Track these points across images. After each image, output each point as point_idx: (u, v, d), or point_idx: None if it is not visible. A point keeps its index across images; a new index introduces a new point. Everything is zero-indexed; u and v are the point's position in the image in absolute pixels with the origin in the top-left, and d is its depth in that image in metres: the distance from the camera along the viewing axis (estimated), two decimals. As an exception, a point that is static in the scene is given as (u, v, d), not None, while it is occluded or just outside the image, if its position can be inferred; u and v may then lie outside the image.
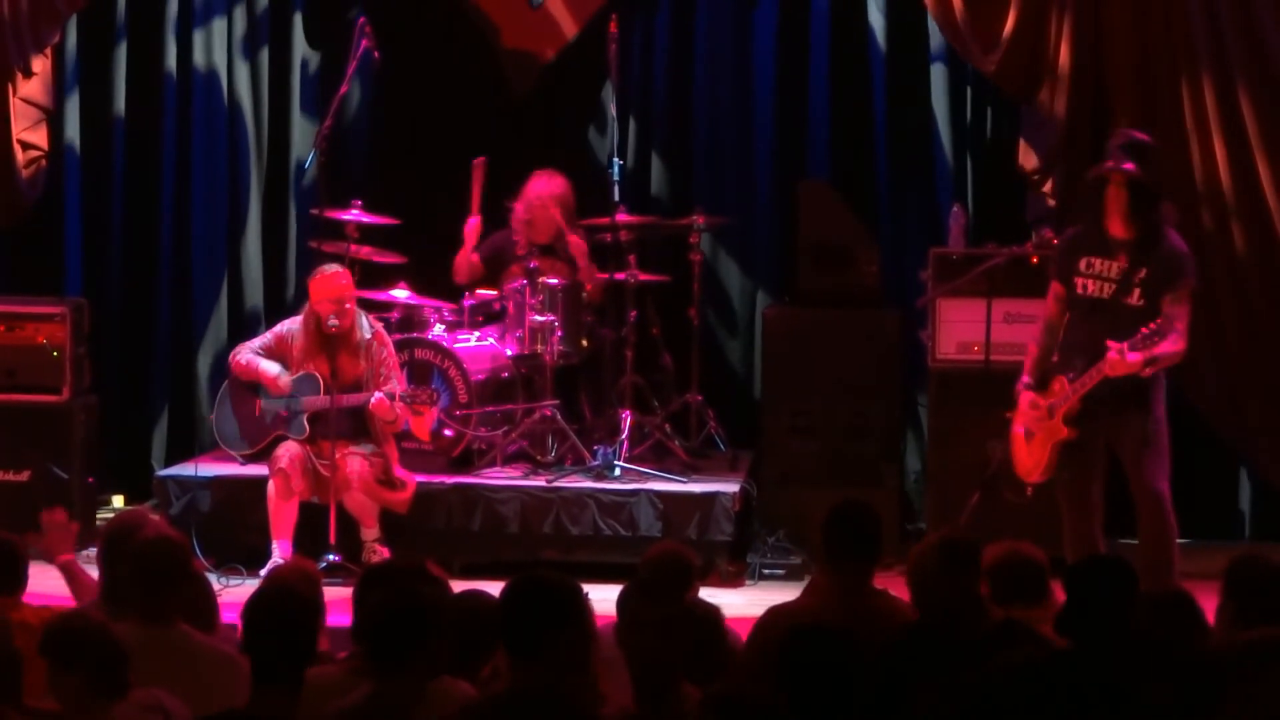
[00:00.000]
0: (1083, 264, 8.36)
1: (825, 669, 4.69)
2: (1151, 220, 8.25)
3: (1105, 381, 8.17)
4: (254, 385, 9.84)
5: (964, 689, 4.23)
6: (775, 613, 6.13)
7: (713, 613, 5.99)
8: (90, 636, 5.20)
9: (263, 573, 8.53)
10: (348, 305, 9.60)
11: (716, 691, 4.54)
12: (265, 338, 9.98)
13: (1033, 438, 8.48)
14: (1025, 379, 8.51)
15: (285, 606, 5.11)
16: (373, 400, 9.56)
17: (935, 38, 10.90)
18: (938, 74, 11.07)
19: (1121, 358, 8.05)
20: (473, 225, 10.65)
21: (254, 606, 5.16)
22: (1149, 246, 8.26)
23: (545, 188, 10.53)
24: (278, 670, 4.98)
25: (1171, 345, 8.14)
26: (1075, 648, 5.15)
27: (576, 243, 10.53)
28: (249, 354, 9.83)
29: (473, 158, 10.92)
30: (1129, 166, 8.25)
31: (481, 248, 10.70)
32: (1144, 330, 8.06)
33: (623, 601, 5.65)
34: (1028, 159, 10.29)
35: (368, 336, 9.73)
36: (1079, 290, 8.36)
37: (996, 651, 4.48)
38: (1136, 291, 8.25)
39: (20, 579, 6.38)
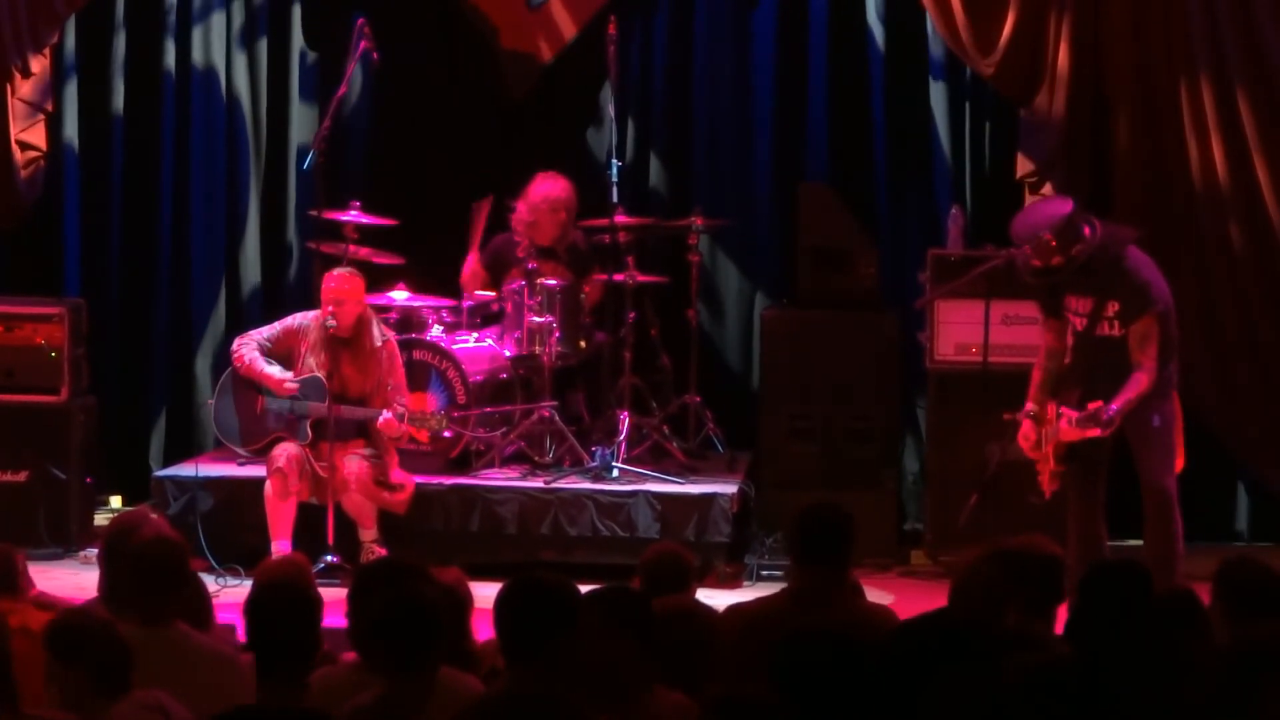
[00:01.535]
0: (1066, 299, 8.49)
1: (819, 673, 4.65)
2: (1096, 263, 8.33)
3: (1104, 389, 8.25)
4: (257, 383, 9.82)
5: (973, 690, 4.22)
6: (733, 612, 6.07)
7: (706, 613, 5.92)
8: (93, 634, 5.18)
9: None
10: (345, 307, 9.55)
11: (716, 693, 4.53)
12: (273, 329, 9.91)
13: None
14: (1029, 405, 8.55)
15: (288, 601, 5.10)
16: (380, 419, 9.53)
17: (934, 40, 10.90)
18: (936, 76, 11.06)
19: (1073, 427, 8.23)
20: (470, 268, 10.61)
21: (255, 603, 5.15)
22: (1111, 280, 8.36)
23: (550, 190, 10.49)
24: (285, 666, 4.96)
25: (1133, 390, 8.22)
26: (1086, 655, 5.11)
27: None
28: (252, 352, 9.77)
29: (472, 160, 10.95)
30: (1037, 264, 8.38)
31: (483, 252, 10.68)
32: (1091, 407, 8.16)
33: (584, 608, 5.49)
34: (1024, 164, 10.30)
35: (378, 345, 9.73)
36: (1074, 325, 8.49)
37: (1011, 654, 4.46)
38: (1116, 324, 8.36)
39: (13, 582, 6.36)
